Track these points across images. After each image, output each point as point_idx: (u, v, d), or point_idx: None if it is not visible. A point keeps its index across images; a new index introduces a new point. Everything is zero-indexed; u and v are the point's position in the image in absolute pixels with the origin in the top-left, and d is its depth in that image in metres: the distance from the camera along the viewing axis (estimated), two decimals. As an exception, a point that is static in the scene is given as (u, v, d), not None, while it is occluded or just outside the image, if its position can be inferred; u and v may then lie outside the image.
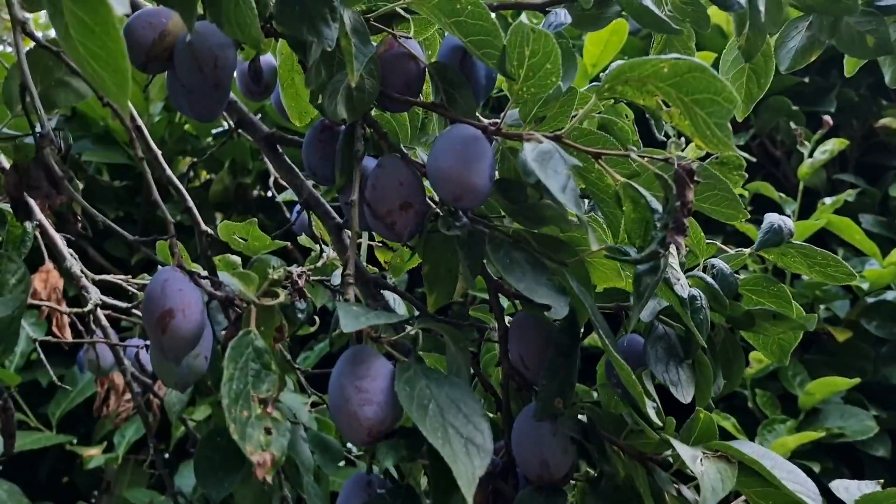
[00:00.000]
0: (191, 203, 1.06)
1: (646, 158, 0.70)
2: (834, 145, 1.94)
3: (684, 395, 0.85)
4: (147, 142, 1.07)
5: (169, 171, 1.07)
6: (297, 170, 0.94)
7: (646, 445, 0.83)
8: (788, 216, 1.14)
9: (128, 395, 1.54)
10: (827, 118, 2.02)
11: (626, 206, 0.75)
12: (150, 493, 1.81)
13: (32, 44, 0.76)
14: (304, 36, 0.68)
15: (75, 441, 1.93)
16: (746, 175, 0.94)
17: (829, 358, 1.93)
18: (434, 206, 0.82)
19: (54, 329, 1.43)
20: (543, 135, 0.72)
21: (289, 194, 1.71)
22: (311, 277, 1.17)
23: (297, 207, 1.81)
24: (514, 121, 0.78)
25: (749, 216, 0.85)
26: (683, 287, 0.79)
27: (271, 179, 1.70)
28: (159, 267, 0.68)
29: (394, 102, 0.81)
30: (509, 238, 0.77)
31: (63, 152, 0.72)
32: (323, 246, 1.25)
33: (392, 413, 0.62)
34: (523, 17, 0.70)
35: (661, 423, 0.75)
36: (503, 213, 0.81)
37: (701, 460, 0.71)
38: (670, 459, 0.82)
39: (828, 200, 1.90)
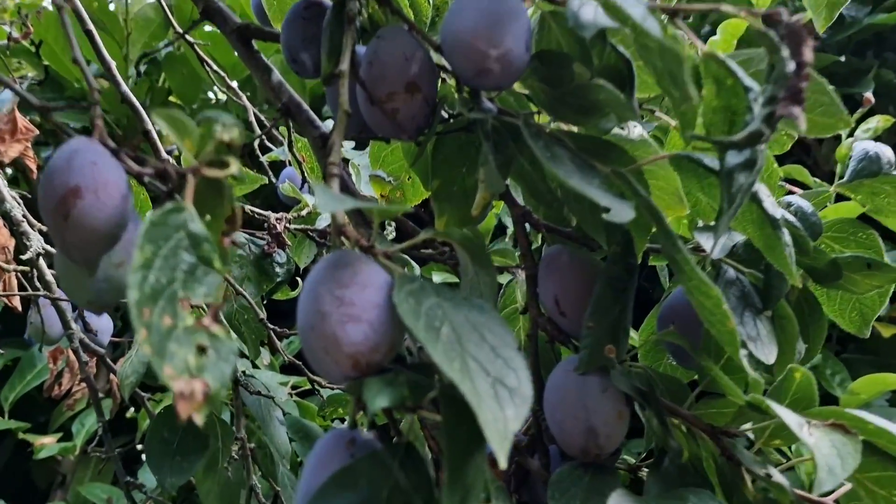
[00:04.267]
0: (149, 124, 0.87)
1: (743, 12, 0.51)
2: (878, 123, 1.76)
3: (766, 352, 0.66)
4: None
5: (125, 87, 0.89)
6: (274, 70, 0.75)
7: (717, 416, 0.64)
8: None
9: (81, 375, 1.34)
10: (868, 95, 1.85)
11: (707, 90, 0.56)
12: (109, 488, 1.60)
13: None
14: None
15: (29, 429, 1.72)
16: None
17: (871, 356, 1.74)
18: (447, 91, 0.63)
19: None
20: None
21: (275, 153, 1.51)
22: (292, 225, 0.98)
23: (284, 171, 1.63)
24: (557, -21, 0.59)
25: (852, 123, 0.66)
26: (775, 205, 0.60)
27: (255, 141, 1.52)
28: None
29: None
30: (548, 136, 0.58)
31: None
32: (307, 195, 1.06)
33: (387, 336, 0.43)
34: None
35: (758, 378, 0.55)
36: (535, 109, 0.63)
37: (809, 430, 0.52)
38: (749, 435, 0.63)
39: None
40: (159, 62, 2.11)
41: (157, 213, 0.40)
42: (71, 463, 1.69)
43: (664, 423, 0.59)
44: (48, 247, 1.05)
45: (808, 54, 0.48)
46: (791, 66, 0.48)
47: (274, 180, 1.65)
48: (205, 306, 0.40)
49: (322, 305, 0.43)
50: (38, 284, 1.09)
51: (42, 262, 1.06)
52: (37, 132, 1.31)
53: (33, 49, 1.89)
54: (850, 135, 2.01)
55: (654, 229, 0.56)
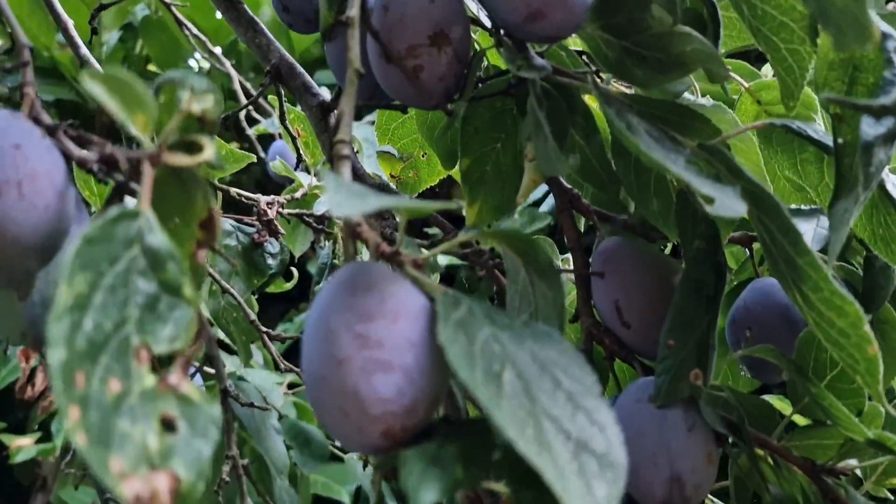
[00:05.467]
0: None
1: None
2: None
3: (868, 368, 0.54)
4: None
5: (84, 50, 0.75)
6: (261, 24, 0.62)
7: (816, 450, 0.52)
8: None
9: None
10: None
11: (824, 39, 0.44)
12: (92, 493, 1.49)
13: None
14: None
15: (5, 428, 1.60)
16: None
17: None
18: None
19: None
20: None
21: (263, 126, 1.38)
22: (285, 210, 0.85)
23: (273, 144, 1.49)
24: None
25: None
26: (896, 186, 0.48)
27: (242, 113, 1.38)
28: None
29: None
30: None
31: None
32: (300, 174, 0.93)
33: (428, 387, 0.31)
34: None
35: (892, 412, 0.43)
36: (598, 66, 0.50)
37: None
38: (858, 473, 0.52)
39: None
40: (135, 28, 1.95)
41: (95, 225, 0.27)
42: (51, 464, 1.58)
43: (757, 465, 0.47)
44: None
45: None
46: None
47: (263, 156, 1.52)
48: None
49: (338, 348, 0.30)
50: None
51: None
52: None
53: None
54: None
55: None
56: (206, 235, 0.33)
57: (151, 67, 2.05)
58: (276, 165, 0.97)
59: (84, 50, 0.75)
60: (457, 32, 0.46)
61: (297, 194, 0.89)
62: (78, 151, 0.34)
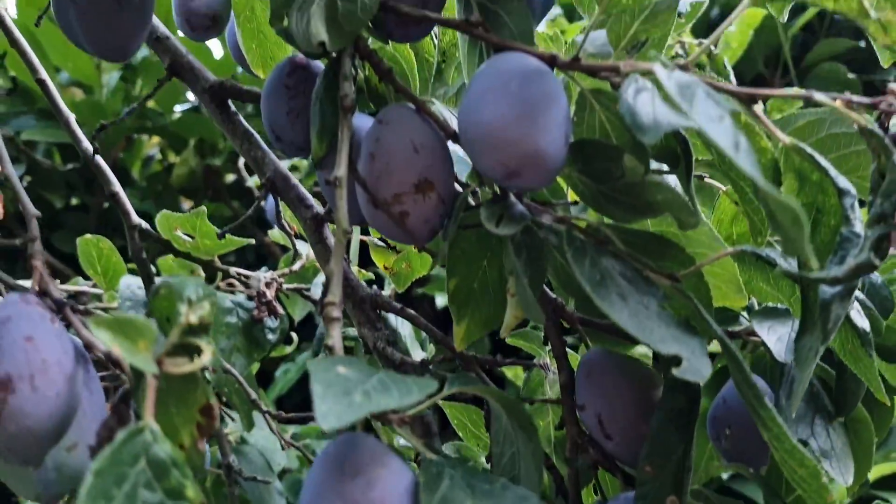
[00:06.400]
0: (116, 185, 0.76)
1: (838, 101, 0.41)
2: (904, 117, 1.66)
3: (842, 469, 0.56)
4: (55, 102, 0.77)
5: (86, 143, 0.78)
6: (257, 136, 0.65)
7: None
8: None
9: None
10: (893, 86, 1.74)
11: (787, 185, 0.46)
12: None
13: None
14: None
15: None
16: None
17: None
18: (463, 187, 0.53)
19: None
20: (656, 67, 0.42)
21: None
22: (285, 286, 0.87)
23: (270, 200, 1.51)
24: (598, 46, 0.49)
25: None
26: (861, 314, 0.50)
27: (241, 160, 1.40)
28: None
29: (402, 23, 0.51)
30: (588, 238, 0.48)
31: None
32: (298, 242, 0.95)
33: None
34: None
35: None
36: (573, 198, 0.52)
37: None
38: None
39: None
40: (135, 67, 1.98)
41: (104, 455, 0.30)
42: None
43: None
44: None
45: (933, 163, 0.38)
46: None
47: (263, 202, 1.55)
48: None
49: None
50: None
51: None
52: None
53: (-2, 60, 1.76)
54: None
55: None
56: (207, 422, 0.35)
57: (151, 104, 2.08)
58: (273, 234, 0.99)
59: (65, 110, 0.78)
60: (441, 178, 0.48)
61: (296, 266, 0.92)
62: (86, 334, 0.37)
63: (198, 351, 0.33)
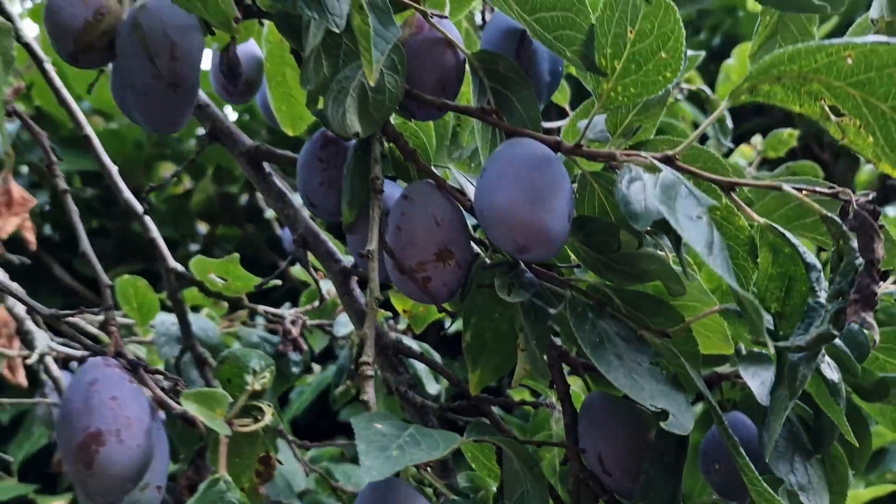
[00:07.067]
0: (155, 233, 0.83)
1: (804, 192, 0.48)
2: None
3: (818, 502, 0.63)
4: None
5: (127, 193, 0.85)
6: (289, 195, 0.71)
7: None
8: None
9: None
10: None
11: (763, 257, 0.53)
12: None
13: None
14: (299, 12, 0.46)
15: (39, 489, 1.69)
16: None
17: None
18: (481, 250, 0.60)
19: (4, 371, 1.20)
20: (651, 156, 0.49)
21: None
22: (309, 322, 0.94)
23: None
24: (597, 133, 0.55)
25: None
26: (832, 367, 0.57)
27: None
28: (85, 361, 0.45)
29: (423, 107, 0.58)
30: (589, 300, 0.55)
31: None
32: (319, 280, 1.02)
33: None
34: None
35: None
36: (576, 261, 0.59)
37: None
38: None
39: (891, 212, 1.68)
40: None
41: (197, 495, 0.36)
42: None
43: None
44: (54, 345, 1.01)
45: (880, 250, 0.45)
46: (860, 261, 0.45)
47: (278, 231, 1.62)
48: None
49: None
50: (44, 377, 1.06)
51: (49, 359, 1.03)
52: (34, 202, 1.27)
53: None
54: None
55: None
56: (265, 469, 0.42)
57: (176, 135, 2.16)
58: (295, 271, 1.06)
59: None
60: (459, 247, 0.55)
61: (317, 303, 0.99)
62: (159, 393, 0.44)
63: (260, 412, 0.40)
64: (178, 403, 0.43)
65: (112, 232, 2.02)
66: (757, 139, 1.57)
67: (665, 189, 0.43)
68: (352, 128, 0.52)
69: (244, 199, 2.08)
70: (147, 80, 0.55)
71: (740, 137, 1.74)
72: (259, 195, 1.43)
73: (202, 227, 2.11)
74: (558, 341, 0.66)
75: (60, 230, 2.25)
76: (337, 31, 0.46)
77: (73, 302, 1.68)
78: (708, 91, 1.43)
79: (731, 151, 1.64)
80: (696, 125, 1.60)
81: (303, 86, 0.53)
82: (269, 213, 1.46)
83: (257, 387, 0.39)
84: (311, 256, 0.79)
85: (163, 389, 0.45)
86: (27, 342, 1.02)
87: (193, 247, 2.02)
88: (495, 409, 0.65)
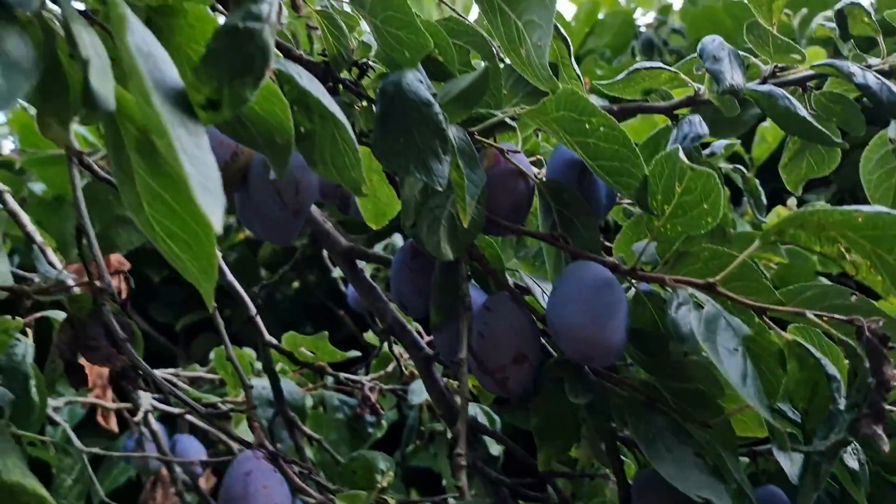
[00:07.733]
0: (253, 310, 0.95)
1: (824, 318, 0.57)
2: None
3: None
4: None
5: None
6: (379, 290, 0.83)
7: None
8: None
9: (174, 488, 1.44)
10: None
11: (791, 366, 0.62)
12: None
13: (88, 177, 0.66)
14: (410, 174, 0.57)
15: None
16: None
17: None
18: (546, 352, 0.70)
19: (99, 419, 1.34)
20: (693, 282, 0.59)
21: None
22: (383, 387, 1.05)
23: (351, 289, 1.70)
24: (649, 256, 0.66)
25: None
26: (853, 456, 0.66)
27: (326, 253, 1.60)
28: (239, 453, 0.57)
29: (500, 229, 0.69)
30: (642, 395, 0.65)
31: (125, 301, 0.61)
32: (392, 346, 1.13)
33: None
34: (679, 154, 0.57)
35: None
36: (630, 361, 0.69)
37: None
38: None
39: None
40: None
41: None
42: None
43: None
44: (156, 403, 1.13)
45: (889, 371, 0.54)
46: (872, 381, 0.54)
47: (343, 288, 1.74)
48: None
49: None
50: (143, 430, 1.18)
51: (150, 416, 1.15)
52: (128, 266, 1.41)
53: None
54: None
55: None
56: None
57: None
58: (368, 337, 1.17)
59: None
60: (533, 352, 0.65)
61: (389, 368, 1.10)
62: (297, 481, 0.55)
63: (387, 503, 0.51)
64: (308, 487, 0.54)
65: (184, 281, 2.16)
66: (792, 202, 1.66)
67: (707, 324, 0.53)
68: (446, 255, 0.63)
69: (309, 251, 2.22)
70: (275, 211, 0.67)
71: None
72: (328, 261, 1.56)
73: (265, 275, 2.24)
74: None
75: (138, 281, 2.42)
76: (440, 189, 0.57)
77: (148, 346, 1.82)
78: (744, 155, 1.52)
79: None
80: (728, 178, 1.69)
81: (403, 223, 0.64)
82: (336, 273, 1.59)
83: (385, 483, 0.50)
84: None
85: (296, 474, 0.57)
86: (124, 393, 1.15)
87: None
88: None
